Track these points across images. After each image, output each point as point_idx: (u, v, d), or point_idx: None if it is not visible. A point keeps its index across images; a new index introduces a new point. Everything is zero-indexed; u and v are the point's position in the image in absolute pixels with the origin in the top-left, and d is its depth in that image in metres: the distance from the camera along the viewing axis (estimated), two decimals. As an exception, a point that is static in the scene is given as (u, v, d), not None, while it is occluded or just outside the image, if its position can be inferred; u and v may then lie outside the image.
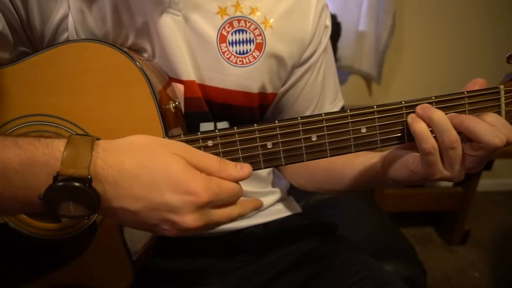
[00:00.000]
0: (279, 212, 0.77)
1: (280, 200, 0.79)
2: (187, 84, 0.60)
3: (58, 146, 0.40)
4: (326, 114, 0.49)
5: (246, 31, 0.61)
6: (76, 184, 0.38)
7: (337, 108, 0.77)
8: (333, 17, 1.76)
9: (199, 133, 0.48)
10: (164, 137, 0.50)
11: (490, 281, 1.71)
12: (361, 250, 0.72)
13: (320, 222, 0.78)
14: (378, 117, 0.50)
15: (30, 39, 0.56)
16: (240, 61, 0.61)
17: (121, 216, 0.42)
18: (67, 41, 0.55)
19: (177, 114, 0.58)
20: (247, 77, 0.62)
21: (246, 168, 0.45)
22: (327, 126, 0.50)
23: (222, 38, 0.60)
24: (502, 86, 0.50)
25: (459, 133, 0.47)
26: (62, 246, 0.56)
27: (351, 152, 0.51)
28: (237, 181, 0.45)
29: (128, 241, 0.55)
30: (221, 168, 0.44)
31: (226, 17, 0.60)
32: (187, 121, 0.62)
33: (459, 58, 2.10)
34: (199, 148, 0.47)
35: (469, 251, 1.88)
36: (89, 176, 0.39)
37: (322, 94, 0.73)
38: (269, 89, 0.65)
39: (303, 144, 0.50)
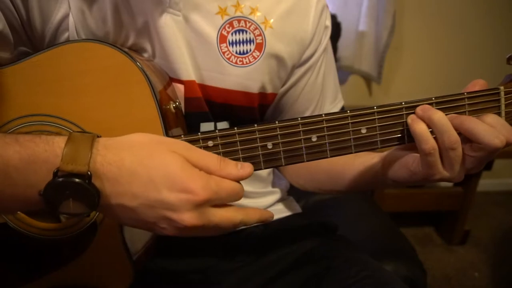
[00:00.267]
0: (279, 212, 0.77)
1: (280, 200, 0.79)
2: (187, 84, 0.60)
3: (58, 143, 0.40)
4: (326, 114, 0.49)
5: (246, 31, 0.61)
6: (76, 180, 0.39)
7: (337, 108, 0.77)
8: (333, 17, 1.76)
9: (199, 133, 0.48)
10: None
11: (490, 281, 1.71)
12: (361, 250, 0.72)
13: (320, 222, 0.78)
14: (378, 118, 0.50)
15: (30, 39, 0.56)
16: (240, 61, 0.61)
17: (120, 213, 0.42)
18: (68, 41, 0.55)
19: (177, 114, 0.58)
20: (247, 77, 0.62)
21: (247, 167, 0.45)
22: (327, 127, 0.50)
23: (222, 38, 0.60)
24: (502, 87, 0.50)
25: (459, 134, 0.47)
26: (62, 246, 0.56)
27: (351, 153, 0.51)
28: (237, 180, 0.45)
29: (128, 241, 0.55)
30: (221, 167, 0.44)
31: (226, 17, 0.60)
32: (187, 121, 0.62)
33: (459, 58, 2.10)
34: (199, 148, 0.47)
35: (469, 251, 1.88)
36: (88, 173, 0.39)
37: (322, 94, 0.73)
38: (269, 89, 0.65)
39: (303, 145, 0.50)
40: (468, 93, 0.50)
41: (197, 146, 0.47)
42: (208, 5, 0.59)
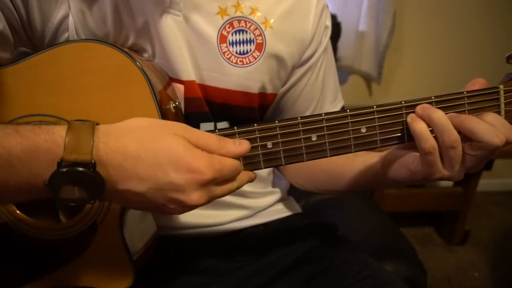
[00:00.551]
0: (279, 212, 0.77)
1: (280, 200, 0.79)
2: (187, 84, 0.60)
3: (59, 132, 0.40)
4: (326, 114, 0.49)
5: (246, 31, 0.61)
6: (81, 169, 0.39)
7: (337, 108, 0.77)
8: (333, 17, 1.76)
9: (199, 133, 0.48)
10: None
11: (490, 281, 1.71)
12: (361, 250, 0.72)
13: (320, 222, 0.78)
14: (378, 117, 0.50)
15: (30, 39, 0.56)
16: (240, 61, 0.61)
17: (127, 198, 0.43)
18: (68, 41, 0.55)
19: (177, 114, 0.58)
20: (247, 77, 0.62)
21: (244, 144, 0.47)
22: (327, 126, 0.50)
23: (222, 38, 0.60)
24: (501, 86, 0.50)
25: (459, 132, 0.47)
26: (62, 246, 0.56)
27: (351, 152, 0.51)
28: (236, 157, 0.46)
29: (128, 241, 0.55)
30: (221, 146, 0.45)
31: (226, 17, 0.60)
32: (187, 121, 0.61)
33: (459, 58, 2.10)
34: None
35: (469, 251, 1.88)
36: (92, 161, 0.39)
37: (322, 94, 0.73)
38: (269, 89, 0.65)
39: (303, 144, 0.50)
40: (467, 92, 0.50)
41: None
42: (208, 5, 0.59)
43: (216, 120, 0.64)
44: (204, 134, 0.45)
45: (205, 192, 0.43)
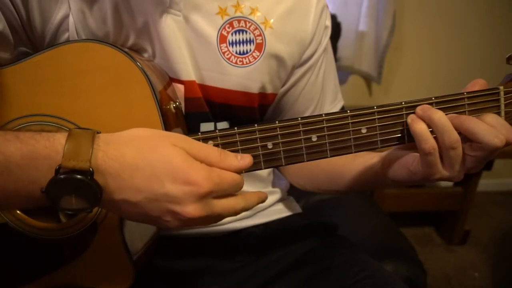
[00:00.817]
0: (279, 212, 0.77)
1: (280, 200, 0.79)
2: (187, 84, 0.60)
3: (59, 139, 0.40)
4: (326, 114, 0.49)
5: (246, 32, 0.61)
6: (78, 176, 0.39)
7: (337, 108, 0.77)
8: (333, 17, 1.76)
9: (199, 133, 0.48)
10: None
11: (490, 281, 1.71)
12: (361, 250, 0.72)
13: (320, 222, 0.78)
14: (378, 118, 0.50)
15: (30, 39, 0.56)
16: (240, 61, 0.61)
17: (123, 208, 0.42)
18: (68, 41, 0.55)
19: (177, 114, 0.58)
20: (247, 77, 0.62)
21: (246, 158, 0.46)
22: (327, 127, 0.50)
23: (222, 38, 0.60)
24: (501, 87, 0.50)
25: (459, 133, 0.47)
26: (62, 246, 0.56)
27: (351, 153, 0.51)
28: (238, 171, 0.45)
29: (128, 241, 0.55)
30: (222, 159, 0.44)
31: (226, 17, 0.60)
32: (187, 121, 0.62)
33: (459, 58, 2.10)
34: None
35: (469, 251, 1.88)
36: (90, 169, 0.39)
37: (322, 94, 0.73)
38: (269, 89, 0.65)
39: (303, 145, 0.50)
40: (468, 93, 0.50)
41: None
42: (208, 5, 0.59)
43: (216, 120, 0.64)
44: (205, 146, 0.44)
45: (202, 205, 0.41)
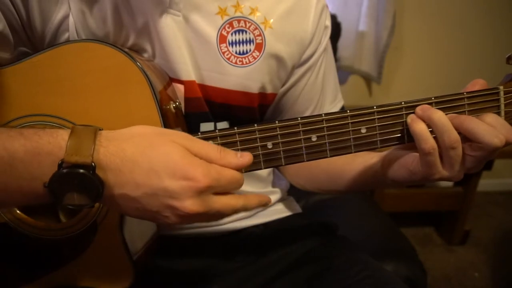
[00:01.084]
0: (279, 212, 0.77)
1: (280, 200, 0.79)
2: (187, 84, 0.60)
3: (62, 135, 0.41)
4: (326, 114, 0.49)
5: (246, 32, 0.61)
6: (81, 171, 0.39)
7: (337, 108, 0.77)
8: (333, 17, 1.76)
9: (199, 133, 0.48)
10: None
11: (490, 281, 1.71)
12: (361, 250, 0.72)
13: (320, 222, 0.78)
14: (378, 118, 0.50)
15: (30, 39, 0.56)
16: (240, 61, 0.61)
17: (123, 204, 0.43)
18: (68, 41, 0.55)
19: (177, 114, 0.58)
20: (247, 77, 0.62)
21: (246, 156, 0.46)
22: (327, 127, 0.50)
23: (222, 38, 0.60)
24: (501, 87, 0.50)
25: (458, 133, 0.47)
26: (62, 246, 0.56)
27: (351, 153, 0.51)
28: (237, 168, 0.45)
29: (128, 241, 0.55)
30: (222, 156, 0.44)
31: (226, 18, 0.60)
32: (187, 121, 0.62)
33: (459, 58, 2.10)
34: None
35: (469, 251, 1.88)
36: (93, 164, 0.40)
37: (322, 94, 0.73)
38: (269, 89, 0.65)
39: (303, 144, 0.50)
40: (467, 93, 0.50)
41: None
42: (208, 5, 0.59)
43: (216, 120, 0.64)
44: (205, 144, 0.45)
45: (200, 200, 0.42)
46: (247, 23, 0.61)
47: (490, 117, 0.48)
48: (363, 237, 1.00)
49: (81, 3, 0.54)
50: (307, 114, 0.71)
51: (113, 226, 0.54)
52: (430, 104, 0.49)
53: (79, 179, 0.40)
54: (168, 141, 0.42)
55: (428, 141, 0.47)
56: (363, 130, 0.50)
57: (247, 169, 0.50)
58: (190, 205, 0.41)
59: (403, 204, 1.81)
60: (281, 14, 0.63)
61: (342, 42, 1.85)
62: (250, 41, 0.61)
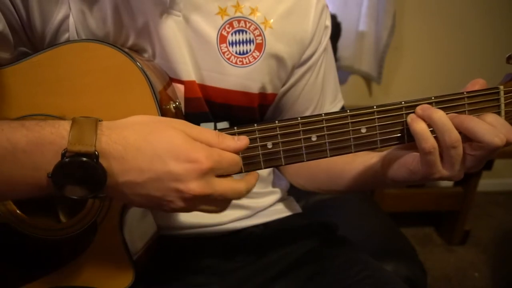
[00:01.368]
0: (279, 212, 0.77)
1: (280, 200, 0.79)
2: (187, 84, 0.60)
3: (64, 126, 0.42)
4: (326, 114, 0.49)
5: (246, 32, 0.61)
6: (84, 159, 0.40)
7: (337, 108, 0.77)
8: (333, 17, 1.76)
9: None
10: None
11: (490, 281, 1.71)
12: (361, 250, 0.72)
13: (320, 222, 0.78)
14: (378, 117, 0.50)
15: (30, 40, 0.56)
16: (240, 61, 0.61)
17: (127, 191, 0.43)
18: (68, 41, 0.55)
19: (177, 114, 0.58)
20: (247, 77, 0.62)
21: (243, 139, 0.48)
22: (327, 126, 0.50)
23: (222, 39, 0.60)
24: (501, 87, 0.50)
25: (459, 132, 0.47)
26: (62, 246, 0.56)
27: (351, 152, 0.51)
28: (235, 151, 0.47)
29: (128, 241, 0.55)
30: (220, 140, 0.46)
31: (226, 18, 0.60)
32: (187, 121, 0.62)
33: (459, 58, 2.10)
34: None
35: (469, 251, 1.88)
36: (96, 152, 0.40)
37: (322, 94, 0.73)
38: (269, 89, 0.65)
39: (303, 144, 0.50)
40: (467, 92, 0.50)
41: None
42: (208, 5, 0.59)
43: (216, 120, 0.64)
44: (204, 130, 0.46)
45: (204, 182, 0.43)
46: (247, 23, 0.61)
47: (491, 117, 0.48)
48: (363, 237, 1.00)
49: (81, 3, 0.54)
50: (307, 114, 0.71)
51: (113, 226, 0.54)
52: (430, 103, 0.49)
53: (83, 168, 0.40)
54: (168, 127, 0.43)
55: (428, 140, 0.47)
56: (363, 130, 0.50)
57: (247, 169, 0.50)
58: (195, 186, 0.42)
59: (403, 204, 1.81)
60: (281, 14, 0.63)
61: (342, 42, 1.85)
62: (250, 41, 0.61)
